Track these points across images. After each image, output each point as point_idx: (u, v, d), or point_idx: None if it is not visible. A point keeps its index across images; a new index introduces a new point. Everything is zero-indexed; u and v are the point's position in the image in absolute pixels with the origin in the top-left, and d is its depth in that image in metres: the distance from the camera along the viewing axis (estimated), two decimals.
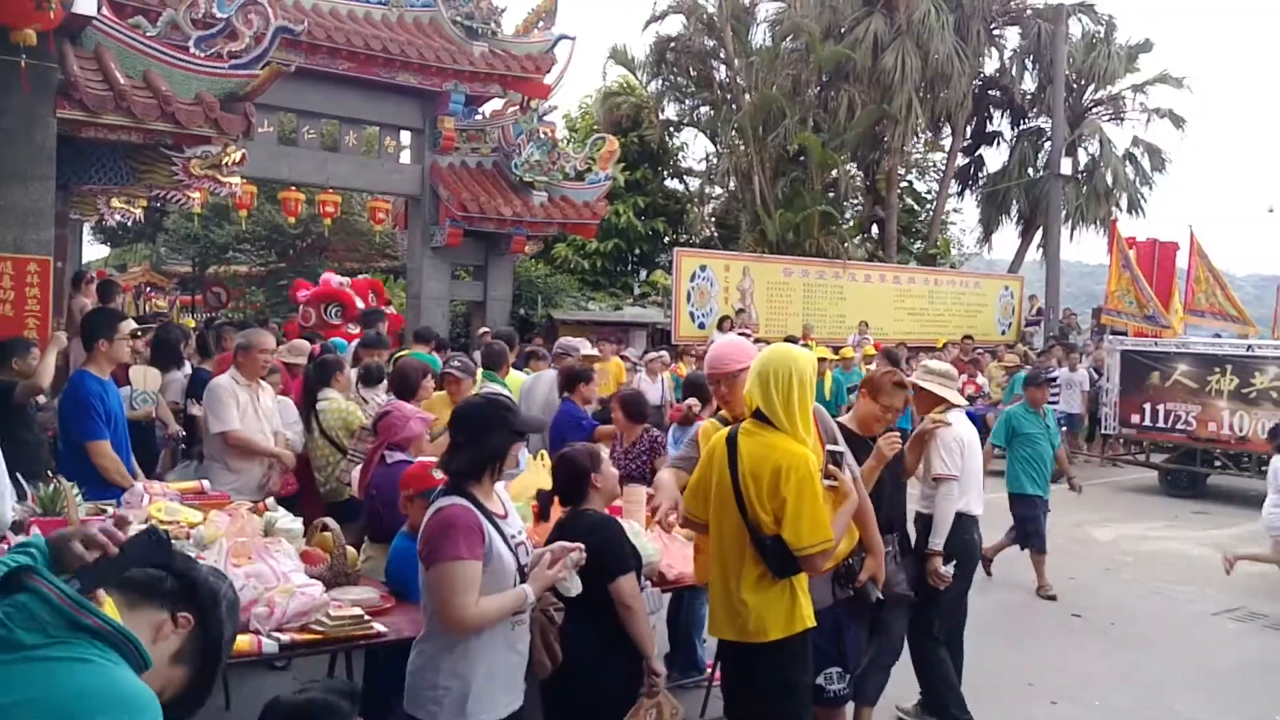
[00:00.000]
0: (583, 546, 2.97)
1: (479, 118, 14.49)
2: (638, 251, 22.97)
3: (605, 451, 3.62)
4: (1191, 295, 15.73)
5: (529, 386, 6.94)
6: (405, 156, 14.49)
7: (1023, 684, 5.43)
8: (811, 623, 3.32)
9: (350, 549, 4.03)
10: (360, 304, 10.87)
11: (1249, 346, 12.81)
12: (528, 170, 13.76)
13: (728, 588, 3.27)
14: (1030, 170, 22.82)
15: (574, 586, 2.95)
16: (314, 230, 18.84)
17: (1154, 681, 5.54)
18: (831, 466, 3.40)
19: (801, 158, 21.38)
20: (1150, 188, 22.94)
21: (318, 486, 5.75)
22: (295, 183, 13.81)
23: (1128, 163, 22.85)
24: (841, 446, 3.56)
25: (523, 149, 13.81)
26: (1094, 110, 23.47)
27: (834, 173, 21.80)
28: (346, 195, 16.91)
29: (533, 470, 4.77)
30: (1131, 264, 15.73)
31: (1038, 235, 22.93)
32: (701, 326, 16.16)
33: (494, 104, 14.59)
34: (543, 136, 14.08)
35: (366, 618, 3.38)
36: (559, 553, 2.91)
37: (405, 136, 14.29)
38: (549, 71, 14.06)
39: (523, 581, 2.86)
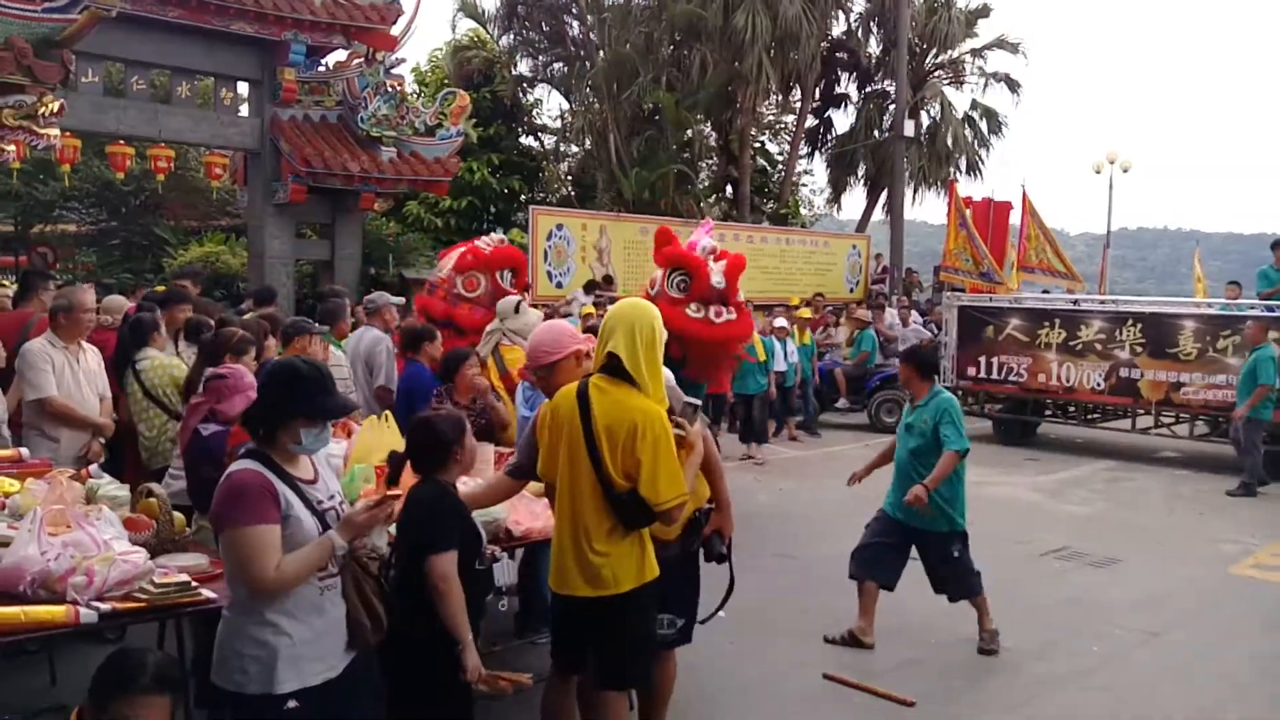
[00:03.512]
0: (400, 497, 2.89)
1: (322, 69, 13.83)
2: (493, 210, 22.52)
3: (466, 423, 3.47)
4: (1024, 253, 16.59)
5: (352, 343, 6.72)
6: (244, 109, 13.72)
7: (831, 619, 5.64)
8: (658, 572, 3.40)
9: (178, 514, 3.88)
10: (719, 282, 9.31)
11: (1075, 301, 13.66)
12: (375, 124, 13.24)
13: (579, 542, 3.28)
14: (876, 132, 23.51)
15: (379, 543, 2.87)
16: (147, 187, 17.66)
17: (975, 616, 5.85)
18: (680, 418, 3.44)
19: (656, 117, 21.39)
20: (988, 150, 24.03)
21: (140, 450, 5.39)
22: (124, 136, 12.87)
23: (967, 125, 23.83)
24: (698, 401, 3.59)
25: (369, 102, 13.26)
26: (935, 74, 24.33)
27: (688, 132, 21.92)
28: (181, 150, 15.93)
29: (375, 431, 4.60)
30: (968, 223, 16.45)
31: (884, 196, 23.71)
32: (559, 286, 16.02)
33: (338, 55, 13.93)
34: (390, 90, 13.55)
35: (194, 584, 3.25)
36: (381, 503, 2.81)
37: (243, 88, 13.53)
38: (395, 23, 13.53)
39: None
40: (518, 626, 5.26)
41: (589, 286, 15.23)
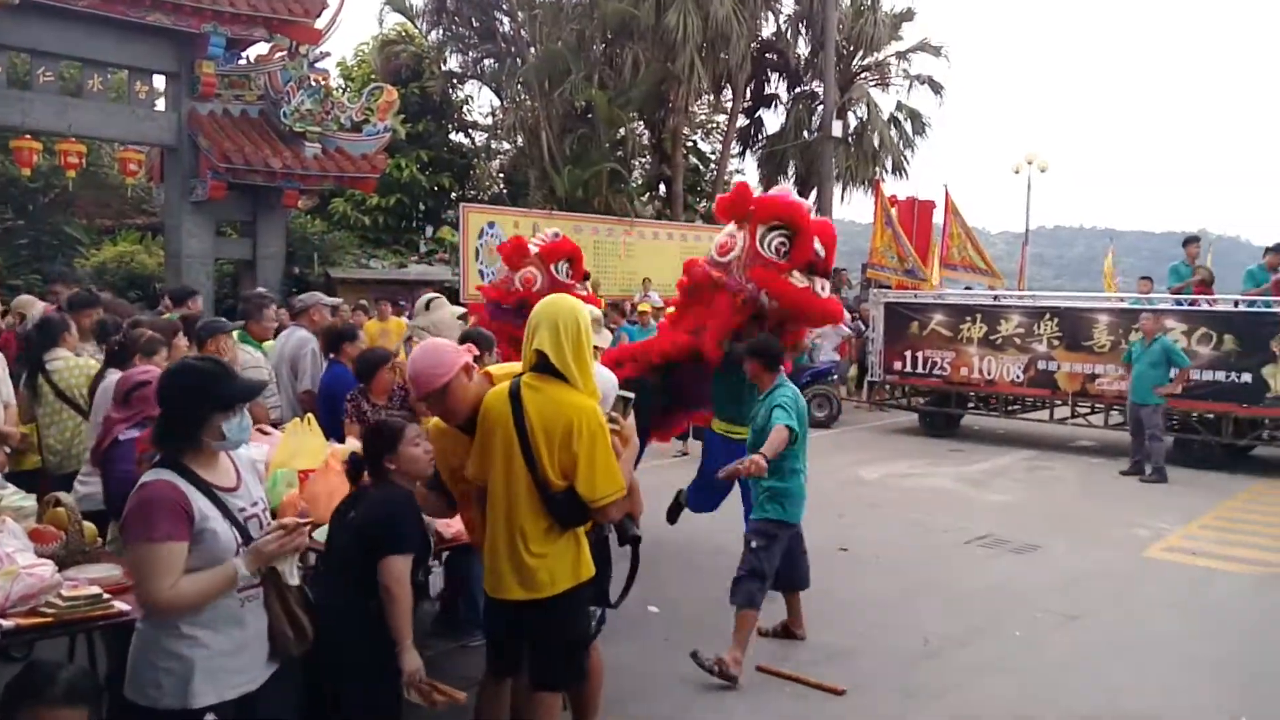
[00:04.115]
0: (306, 527, 2.77)
1: (242, 63, 13.52)
2: (422, 207, 22.29)
3: (416, 433, 3.39)
4: (947, 250, 16.94)
5: (278, 345, 6.56)
6: (160, 104, 13.32)
7: (768, 616, 5.71)
8: (594, 570, 3.38)
9: (88, 524, 3.72)
10: (819, 249, 8.83)
11: (995, 297, 14.03)
12: (298, 119, 12.99)
13: (515, 545, 3.23)
14: (805, 133, 23.81)
15: (290, 576, 2.74)
16: (56, 184, 17.04)
17: (912, 607, 5.97)
18: (614, 412, 3.42)
19: (589, 115, 21.34)
20: (913, 150, 24.52)
21: (46, 456, 5.19)
22: (31, 130, 12.39)
23: (892, 126, 24.27)
24: (630, 393, 3.58)
25: (292, 97, 13.01)
26: (862, 76, 24.74)
27: (621, 131, 21.92)
28: (93, 145, 15.39)
29: (298, 435, 4.49)
30: (894, 222, 16.73)
31: (813, 195, 24.02)
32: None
33: (259, 49, 13.64)
34: (314, 84, 13.31)
35: (106, 596, 3.12)
36: (286, 530, 2.69)
37: (159, 82, 13.13)
38: (319, 16, 13.29)
39: None
40: (440, 629, 5.20)
41: None
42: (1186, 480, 9.98)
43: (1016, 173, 25.61)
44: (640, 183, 24.42)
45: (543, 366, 3.26)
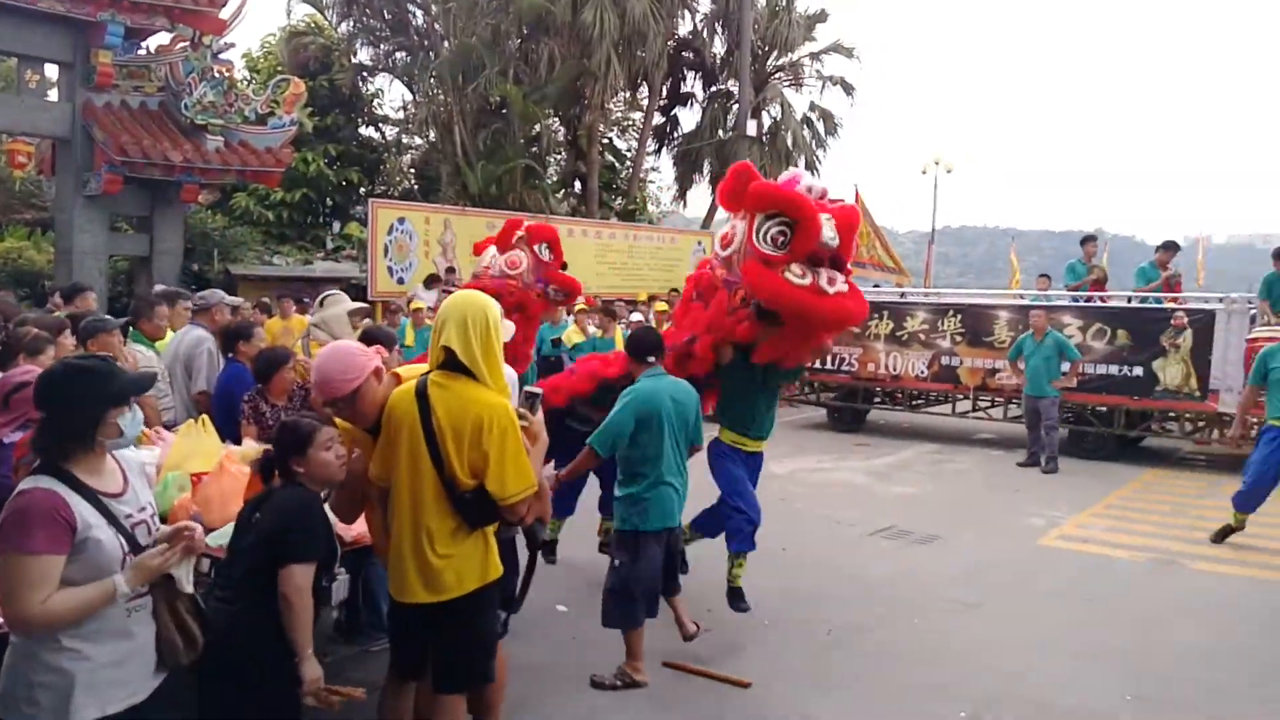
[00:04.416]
0: (197, 532, 2.69)
1: (142, 53, 13.02)
2: (330, 203, 21.84)
3: (329, 436, 3.27)
4: (856, 248, 17.27)
5: (172, 345, 6.34)
6: (53, 94, 12.75)
7: (702, 610, 5.75)
8: (501, 570, 3.35)
9: None
10: (831, 238, 8.68)
11: (902, 294, 14.35)
12: (200, 111, 12.58)
13: (420, 546, 3.18)
14: (721, 131, 24.02)
15: (185, 582, 2.65)
16: None
17: (818, 598, 6.06)
18: (523, 409, 3.38)
19: (503, 110, 21.18)
20: (825, 150, 24.95)
21: None
22: None
23: (806, 126, 24.65)
24: (539, 389, 3.55)
25: (194, 88, 12.58)
26: (776, 76, 25.07)
27: (536, 127, 21.80)
28: None
29: (191, 436, 4.34)
30: None
31: None
32: (401, 282, 15.65)
33: (160, 38, 13.14)
34: (218, 75, 12.89)
35: None
36: (176, 538, 2.61)
37: (52, 71, 12.57)
38: (223, 5, 12.87)
39: None
40: (340, 633, 5.09)
41: (429, 281, 14.94)
42: (1080, 470, 10.37)
43: (924, 173, 26.31)
44: (555, 179, 24.32)
45: (451, 364, 3.21)
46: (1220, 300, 10.80)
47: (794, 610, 5.78)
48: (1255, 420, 8.10)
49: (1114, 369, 10.96)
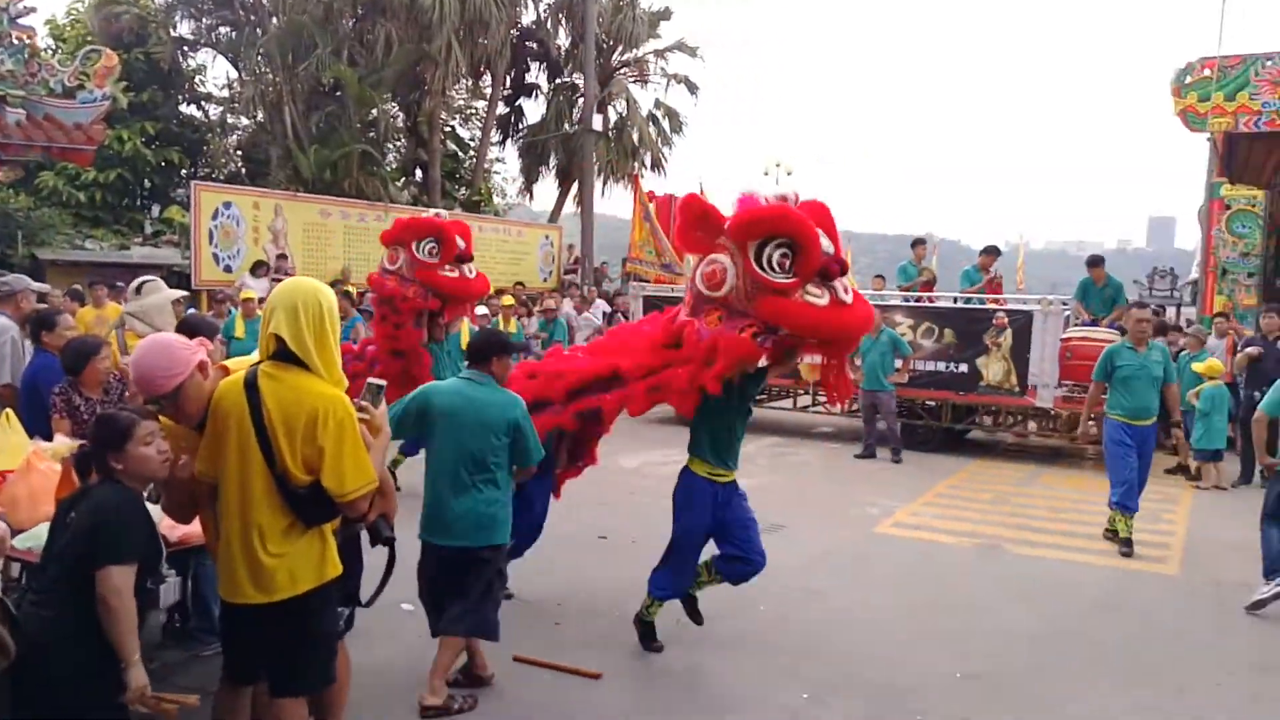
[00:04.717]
0: (3, 533, 2.45)
1: None
2: (148, 184, 20.43)
3: (149, 430, 3.05)
4: None
5: None
6: None
7: (553, 604, 5.65)
8: (340, 568, 3.21)
9: None
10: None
11: None
12: None
13: (250, 545, 3.02)
14: (566, 124, 23.91)
15: None
16: None
17: None
18: (364, 401, 3.26)
19: (338, 92, 20.37)
20: (670, 148, 25.26)
21: None
22: None
23: (651, 123, 24.88)
24: (382, 382, 3.40)
25: None
26: (621, 71, 25.17)
27: (373, 111, 21.07)
28: None
29: None
30: (651, 217, 17.14)
31: (575, 187, 24.16)
32: (229, 270, 14.78)
33: None
34: (17, 42, 11.78)
35: None
36: None
37: None
38: None
39: None
40: (170, 637, 4.74)
41: (256, 268, 14.20)
42: (911, 461, 10.83)
43: (765, 174, 26.91)
44: (395, 167, 23.60)
45: (282, 354, 3.05)
46: (1038, 302, 11.51)
47: (639, 601, 5.74)
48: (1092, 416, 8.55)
49: (942, 365, 11.48)
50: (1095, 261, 12.90)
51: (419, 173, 23.71)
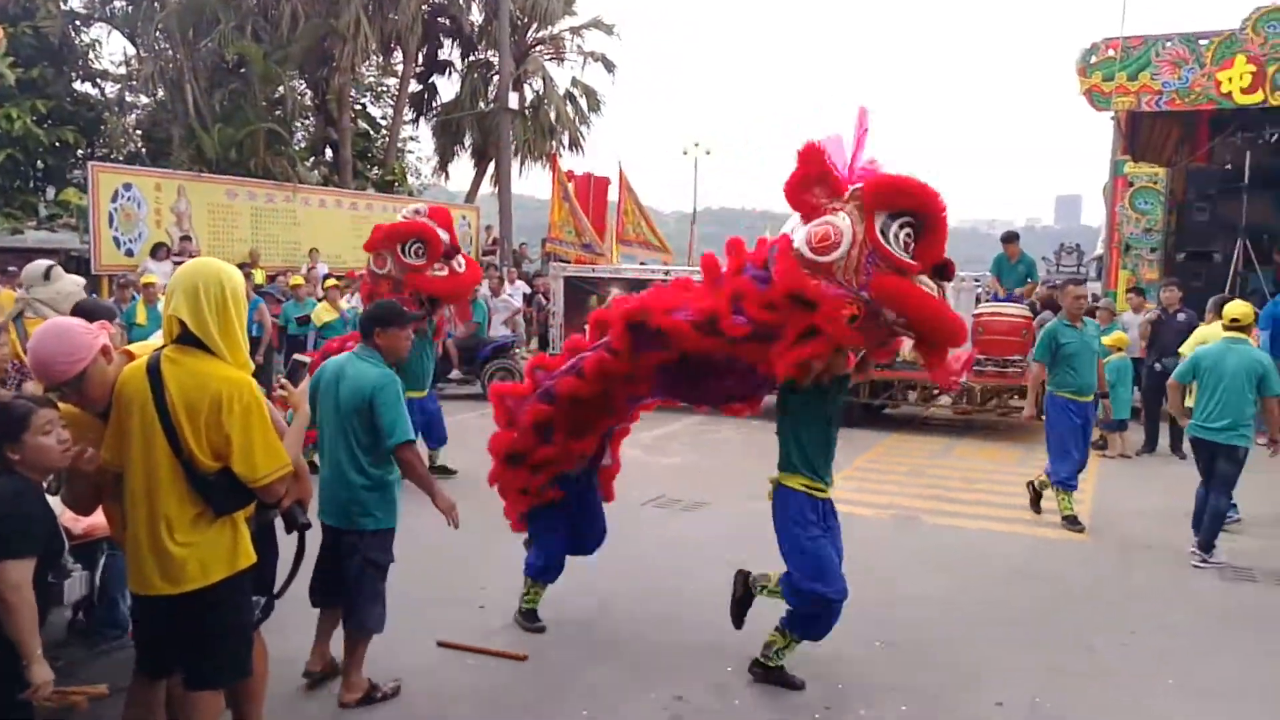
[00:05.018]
0: None
1: None
2: (41, 165, 19.48)
3: (47, 419, 2.92)
4: (622, 226, 17.50)
5: None
6: None
7: (476, 588, 5.58)
8: (254, 557, 3.14)
9: None
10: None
11: (667, 271, 14.62)
12: None
13: (157, 535, 2.94)
14: (482, 103, 23.55)
15: None
16: None
17: (592, 570, 5.98)
18: (284, 379, 3.26)
19: (242, 69, 19.70)
20: (588, 127, 25.09)
21: None
22: None
23: (569, 102, 24.65)
24: (307, 358, 3.28)
25: None
26: (537, 49, 24.87)
27: (280, 89, 20.44)
28: None
29: None
30: (570, 197, 17.02)
31: (491, 167, 23.83)
32: (130, 254, 14.21)
33: None
34: None
35: None
36: None
37: None
38: None
39: None
40: (77, 634, 4.54)
41: (156, 250, 13.70)
42: None
43: (685, 154, 26.99)
44: (304, 146, 22.95)
45: (185, 337, 2.97)
46: None
47: (568, 582, 5.68)
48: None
49: None
50: (1009, 238, 13.23)
51: (329, 152, 23.10)
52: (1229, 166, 13.31)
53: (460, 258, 8.15)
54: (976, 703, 4.34)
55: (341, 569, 4.11)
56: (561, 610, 5.29)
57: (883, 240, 3.77)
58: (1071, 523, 7.25)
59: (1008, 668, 4.69)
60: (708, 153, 27.92)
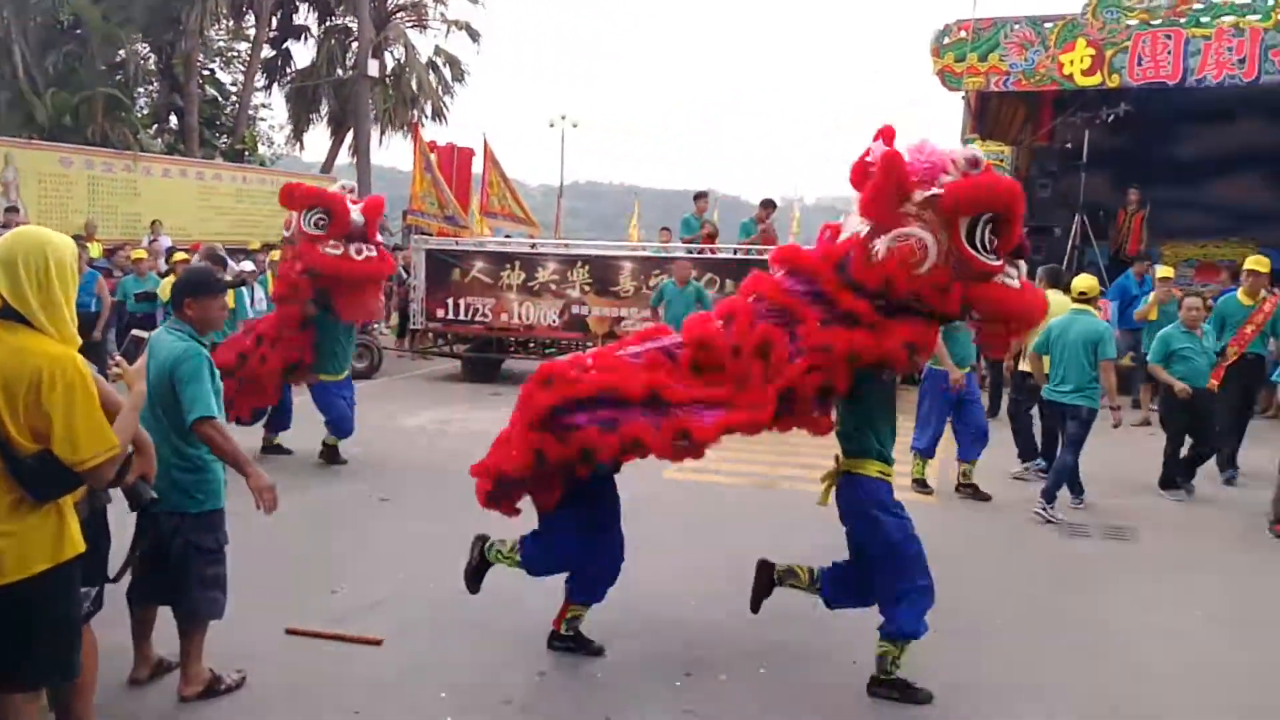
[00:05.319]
0: None
1: None
2: None
3: None
4: (486, 199, 17.17)
5: None
6: None
7: (330, 571, 5.38)
8: (82, 546, 2.95)
9: None
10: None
11: (534, 245, 14.47)
12: None
13: None
14: (339, 70, 22.72)
15: None
16: None
17: (451, 551, 5.81)
18: (120, 355, 3.10)
19: (78, 30, 18.38)
20: (452, 96, 24.55)
21: None
22: None
23: (431, 71, 24.02)
24: (144, 334, 3.06)
25: None
26: (398, 15, 24.13)
27: (121, 52, 19.20)
28: None
29: None
30: (433, 168, 16.56)
31: (350, 137, 23.03)
32: None
33: None
34: None
35: None
36: None
37: None
38: None
39: None
40: None
41: None
42: None
43: (551, 126, 26.72)
44: (147, 112, 21.66)
45: (5, 311, 2.80)
46: None
47: (428, 564, 5.58)
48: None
49: None
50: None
51: (174, 119, 21.86)
52: (1069, 145, 14.05)
53: (369, 246, 7.75)
54: (834, 662, 4.46)
55: (165, 555, 3.84)
56: (420, 592, 5.18)
57: (969, 247, 3.72)
58: (921, 485, 7.57)
59: (864, 627, 4.82)
60: (574, 126, 27.70)
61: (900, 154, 3.77)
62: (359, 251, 7.63)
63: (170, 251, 12.81)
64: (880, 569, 4.16)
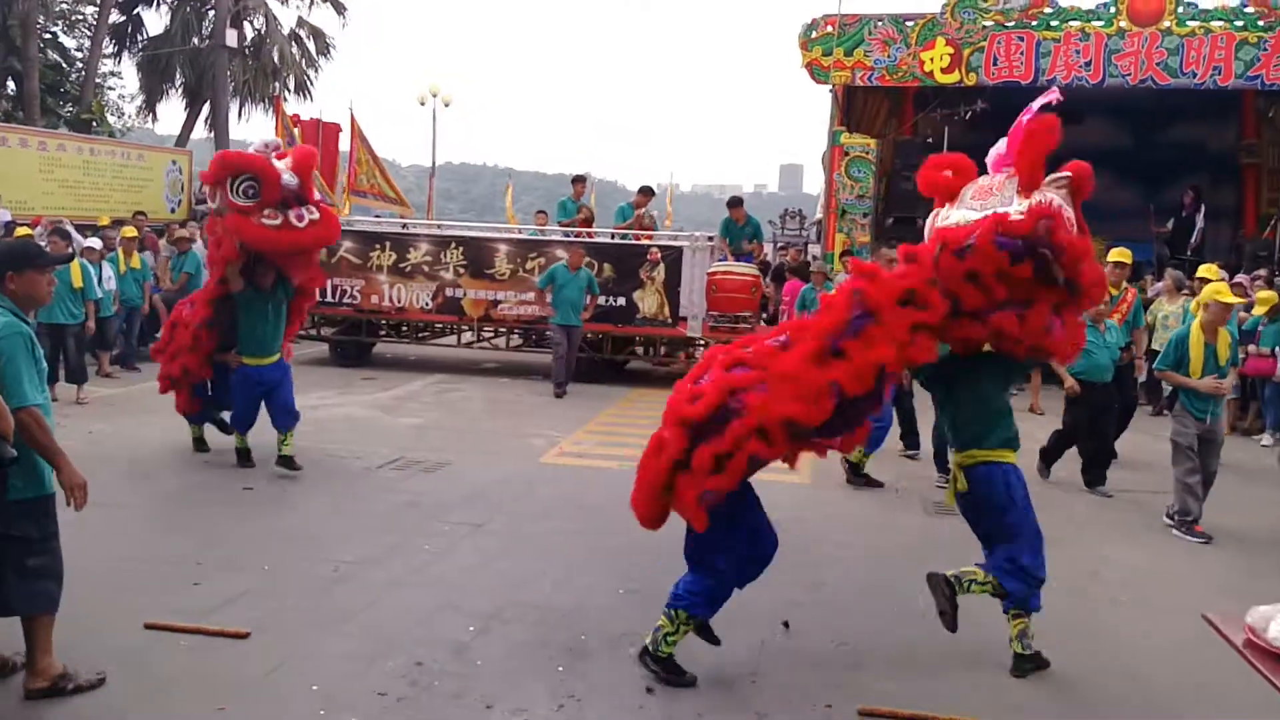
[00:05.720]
0: None
1: None
2: None
3: None
4: (354, 177, 16.62)
5: None
6: None
7: (191, 563, 5.13)
8: None
9: None
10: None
11: (405, 225, 14.11)
12: None
13: None
14: (195, 39, 21.53)
15: None
16: None
17: (319, 535, 5.73)
18: None
19: None
20: (317, 70, 23.62)
21: None
22: None
23: (294, 43, 23.06)
24: None
25: None
26: None
27: None
28: None
29: None
30: (297, 142, 15.92)
31: (206, 109, 21.90)
32: None
33: None
34: None
35: None
36: None
37: None
38: None
39: None
40: None
41: None
42: (575, 393, 11.08)
43: (422, 104, 25.97)
44: None
45: None
46: (688, 239, 12.11)
47: (297, 551, 5.39)
48: None
49: (602, 299, 11.80)
50: (735, 203, 13.85)
51: (11, 84, 20.30)
52: (930, 139, 14.60)
53: (309, 209, 6.94)
54: (729, 640, 4.49)
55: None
56: (288, 581, 4.98)
57: (1052, 196, 4.11)
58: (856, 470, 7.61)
59: (743, 603, 4.89)
60: (446, 105, 26.99)
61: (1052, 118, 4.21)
62: (300, 218, 6.80)
63: (10, 226, 11.90)
64: (1007, 557, 4.34)
